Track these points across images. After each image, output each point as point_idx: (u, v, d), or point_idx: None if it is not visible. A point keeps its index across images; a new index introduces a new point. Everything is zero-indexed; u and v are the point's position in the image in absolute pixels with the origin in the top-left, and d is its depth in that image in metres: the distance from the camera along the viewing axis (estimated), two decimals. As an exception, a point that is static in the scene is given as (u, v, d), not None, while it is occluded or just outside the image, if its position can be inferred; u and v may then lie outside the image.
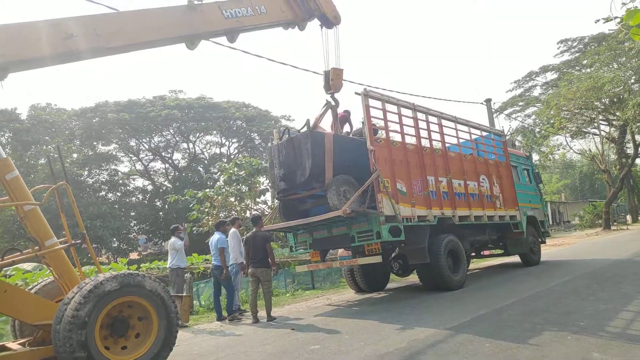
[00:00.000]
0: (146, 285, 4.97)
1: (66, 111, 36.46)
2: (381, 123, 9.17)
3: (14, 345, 5.40)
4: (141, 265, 12.37)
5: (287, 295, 12.08)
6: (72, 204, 5.85)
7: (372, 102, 8.87)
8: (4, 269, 7.72)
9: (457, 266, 9.80)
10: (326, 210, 8.60)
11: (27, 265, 10.16)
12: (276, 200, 10.42)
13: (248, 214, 17.74)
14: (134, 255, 35.36)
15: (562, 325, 5.74)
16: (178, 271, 9.24)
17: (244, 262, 8.89)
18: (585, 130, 35.48)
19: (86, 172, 35.83)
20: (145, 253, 39.09)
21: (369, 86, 9.48)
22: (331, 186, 8.36)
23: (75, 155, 35.41)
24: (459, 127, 11.19)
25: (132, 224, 37.01)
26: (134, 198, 39.39)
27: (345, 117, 10.32)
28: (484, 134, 12.42)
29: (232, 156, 39.20)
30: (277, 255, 13.29)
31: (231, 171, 17.65)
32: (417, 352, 5.07)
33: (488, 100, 23.62)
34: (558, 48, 36.38)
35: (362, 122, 9.51)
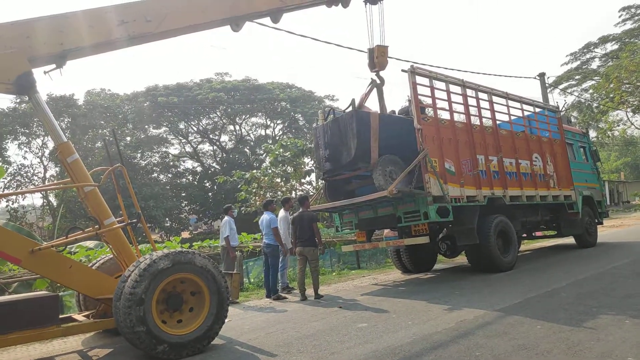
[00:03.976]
0: (197, 262, 5.16)
1: (119, 96, 37.94)
2: (429, 101, 8.98)
3: (79, 316, 5.79)
4: (193, 244, 12.83)
5: (333, 274, 12.22)
6: (128, 185, 6.13)
7: (419, 79, 8.69)
8: (69, 246, 8.22)
9: (507, 247, 9.56)
10: (372, 190, 8.56)
11: (89, 243, 10.76)
12: (321, 181, 10.47)
13: (294, 195, 17.94)
14: (185, 234, 36.71)
15: (620, 309, 5.51)
16: (230, 249, 9.54)
17: (291, 244, 9.08)
18: (649, 104, 33.23)
19: (139, 155, 37.25)
20: (195, 232, 40.49)
21: (416, 63, 9.27)
22: (377, 166, 8.30)
23: (128, 138, 36.86)
24: (511, 103, 10.79)
25: (183, 204, 38.33)
26: (184, 179, 40.73)
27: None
28: (537, 110, 11.94)
29: (277, 137, 39.60)
30: (323, 235, 13.40)
31: (277, 152, 17.85)
32: (465, 333, 5.03)
33: (541, 75, 22.56)
34: (620, 16, 34.18)
35: (409, 100, 9.34)
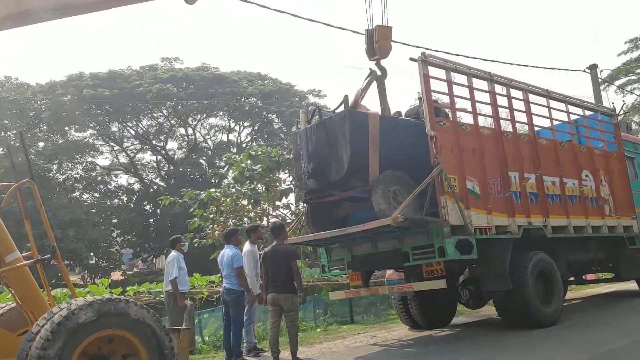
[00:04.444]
0: (131, 314, 5.08)
1: (30, 87, 37.63)
2: (446, 100, 9.08)
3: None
4: (127, 289, 12.65)
5: (318, 330, 12.15)
6: (40, 208, 6.02)
7: (433, 70, 8.78)
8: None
9: (549, 295, 9.60)
10: (370, 217, 8.56)
11: (-17, 287, 10.56)
12: (303, 204, 10.45)
13: (266, 222, 17.87)
14: (116, 275, 36.24)
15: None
16: (178, 296, 9.45)
17: (259, 290, 9.05)
18: None
19: (55, 166, 36.85)
20: (131, 272, 39.99)
21: (429, 49, 9.41)
22: (377, 185, 8.32)
23: (41, 143, 36.52)
24: (553, 104, 10.98)
25: (114, 235, 37.92)
26: (116, 200, 40.37)
27: None
28: (588, 113, 12.16)
29: (245, 145, 39.59)
30: (305, 277, 13.34)
31: (243, 165, 17.79)
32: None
33: (593, 67, 23.05)
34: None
35: (420, 99, 9.43)
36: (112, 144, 40.94)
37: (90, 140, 39.75)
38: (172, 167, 41.10)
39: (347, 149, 8.32)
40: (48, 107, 36.44)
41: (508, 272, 8.97)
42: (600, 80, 23.79)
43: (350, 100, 8.89)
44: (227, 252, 9.26)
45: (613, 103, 29.92)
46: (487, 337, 9.14)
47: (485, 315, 11.97)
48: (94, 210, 36.27)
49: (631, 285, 13.76)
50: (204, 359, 9.66)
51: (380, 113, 9.20)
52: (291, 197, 18.64)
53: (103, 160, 41.19)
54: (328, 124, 8.79)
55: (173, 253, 9.75)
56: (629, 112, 37.68)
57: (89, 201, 38.58)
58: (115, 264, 37.27)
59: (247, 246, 9.50)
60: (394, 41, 9.49)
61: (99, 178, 40.20)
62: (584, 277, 13.44)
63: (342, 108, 8.85)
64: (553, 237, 10.00)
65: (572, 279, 12.73)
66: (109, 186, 40.75)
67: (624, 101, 37.53)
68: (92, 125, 38.86)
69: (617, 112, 14.42)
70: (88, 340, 4.87)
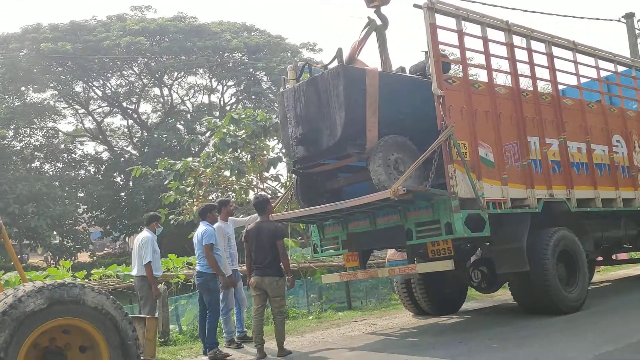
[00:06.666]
0: (87, 301, 5.06)
1: (-22, 41, 37.20)
2: (456, 53, 9.00)
3: None
4: (93, 272, 12.63)
5: (310, 317, 12.22)
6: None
7: (440, 19, 8.73)
8: None
9: (572, 277, 9.67)
10: (368, 189, 8.55)
11: None
12: (292, 175, 10.43)
13: (251, 196, 17.84)
14: (84, 257, 36.33)
15: None
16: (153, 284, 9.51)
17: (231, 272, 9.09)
18: None
19: (11, 132, 36.64)
20: (101, 253, 40.11)
21: (437, -5, 9.28)
22: (376, 152, 8.29)
23: (-6, 107, 36.23)
24: (581, 58, 10.91)
25: (80, 211, 37.89)
26: (82, 171, 40.27)
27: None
28: (621, 69, 12.12)
29: (229, 107, 39.38)
30: (295, 258, 13.38)
31: (225, 130, 17.67)
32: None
33: (629, 16, 22.82)
34: None
35: (426, 52, 9.34)
36: (76, 106, 40.69)
37: (51, 102, 39.51)
38: (145, 133, 40.90)
39: (341, 110, 8.28)
40: (1, 64, 36.10)
41: (525, 252, 8.98)
42: (637, 31, 23.54)
43: (346, 54, 8.81)
44: (201, 229, 9.22)
45: (651, 58, 29.81)
46: (500, 325, 9.19)
47: (500, 300, 12.05)
48: (56, 183, 36.11)
49: (667, 266, 13.86)
50: (180, 350, 9.70)
51: (379, 69, 9.13)
52: (281, 167, 18.60)
53: (66, 126, 41.25)
54: (319, 81, 8.73)
55: (147, 234, 9.67)
56: (670, 68, 37.51)
57: (51, 172, 38.46)
58: (82, 243, 37.18)
59: (218, 223, 9.46)
60: (397, -15, 9.35)
61: (62, 146, 40.04)
62: (613, 256, 13.50)
63: (335, 63, 8.77)
64: (578, 212, 10.04)
65: (600, 258, 12.83)
66: (73, 155, 40.63)
67: (664, 55, 37.36)
68: (52, 84, 38.57)
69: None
70: (38, 331, 4.86)
